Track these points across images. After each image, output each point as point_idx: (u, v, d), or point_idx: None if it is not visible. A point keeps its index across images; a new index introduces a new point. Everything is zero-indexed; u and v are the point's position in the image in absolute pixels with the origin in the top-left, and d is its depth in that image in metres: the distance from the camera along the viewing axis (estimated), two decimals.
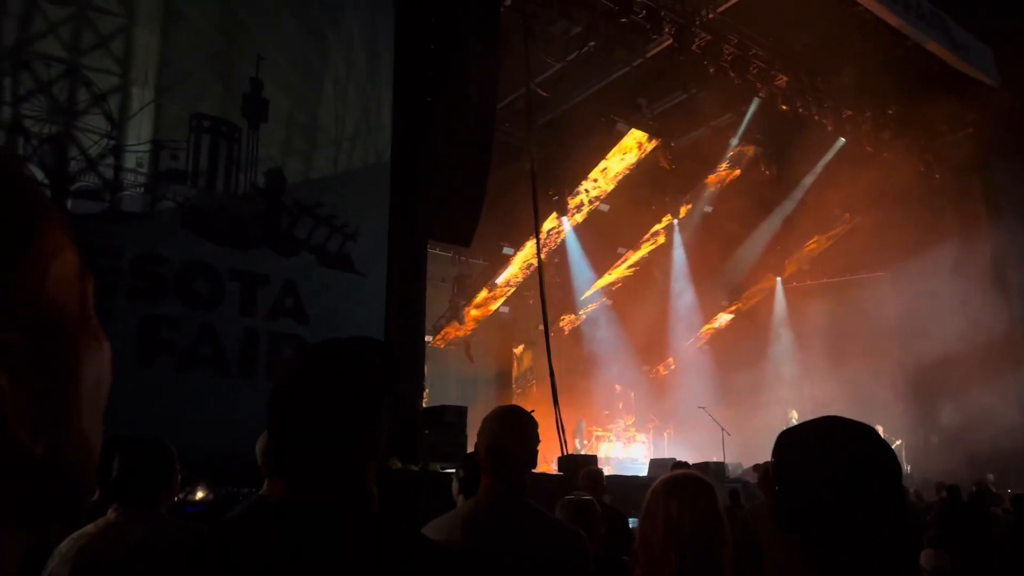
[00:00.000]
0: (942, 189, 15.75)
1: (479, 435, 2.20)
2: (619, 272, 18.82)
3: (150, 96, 7.31)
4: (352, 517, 1.27)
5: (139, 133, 7.21)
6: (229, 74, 7.89)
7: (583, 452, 14.12)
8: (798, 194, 16.76)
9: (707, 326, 19.67)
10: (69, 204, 6.74)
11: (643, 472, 12.23)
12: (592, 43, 12.12)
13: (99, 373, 0.57)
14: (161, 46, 7.49)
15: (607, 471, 13.79)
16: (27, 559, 0.52)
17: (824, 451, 1.22)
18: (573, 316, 18.43)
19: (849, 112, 14.91)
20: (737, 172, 16.61)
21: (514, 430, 2.19)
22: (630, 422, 17.09)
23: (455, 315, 16.83)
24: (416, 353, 9.36)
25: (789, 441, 1.28)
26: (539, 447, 2.28)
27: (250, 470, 3.45)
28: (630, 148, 15.55)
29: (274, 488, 2.92)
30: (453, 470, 3.62)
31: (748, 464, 12.54)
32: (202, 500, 5.96)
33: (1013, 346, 14.51)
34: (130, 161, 7.13)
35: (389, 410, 1.34)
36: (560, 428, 9.34)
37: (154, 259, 7.11)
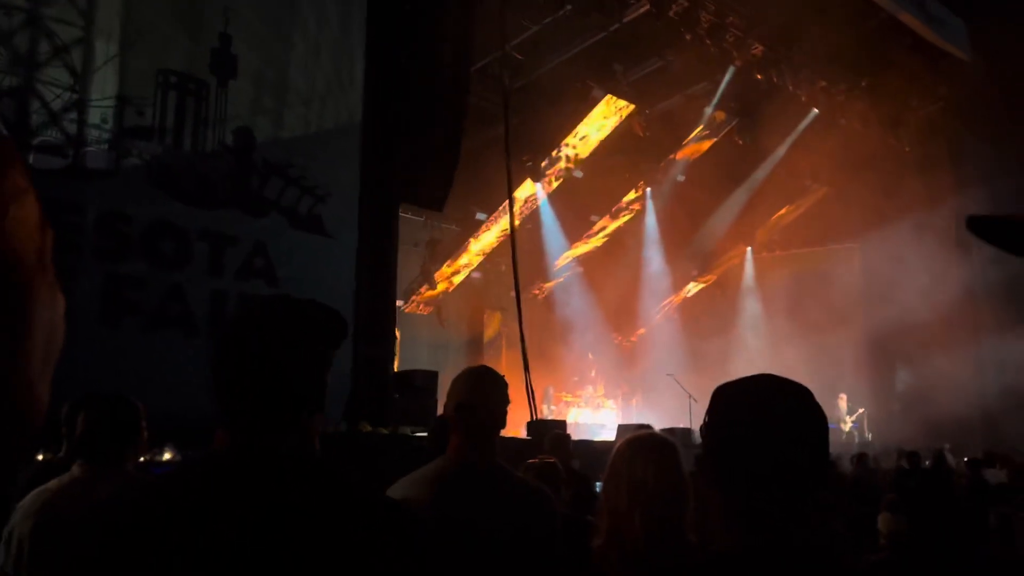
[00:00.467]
0: (911, 160, 15.92)
1: (448, 395, 2.20)
2: (593, 242, 18.85)
3: (115, 50, 7.11)
4: (293, 466, 1.26)
5: (103, 88, 7.02)
6: (197, 28, 7.69)
7: (552, 418, 14.25)
8: (770, 164, 16.84)
9: (678, 294, 19.83)
10: (31, 159, 6.56)
11: (611, 437, 12.36)
12: (568, 7, 11.99)
13: (52, 323, 0.56)
14: None
15: (576, 436, 13.93)
16: None
17: (753, 407, 1.22)
18: (545, 283, 18.46)
19: (823, 83, 14.95)
20: (710, 142, 16.64)
21: (484, 390, 2.19)
22: (599, 389, 17.25)
23: (427, 279, 16.77)
24: (387, 317, 9.32)
25: (722, 394, 1.28)
26: (509, 411, 2.29)
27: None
28: (606, 115, 15.49)
29: (218, 439, 2.90)
30: (423, 433, 3.64)
31: None
32: (169, 461, 5.92)
33: (973, 312, 14.82)
34: (94, 116, 6.95)
35: (329, 366, 1.33)
36: (530, 393, 9.40)
37: (119, 217, 6.97)
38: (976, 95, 14.57)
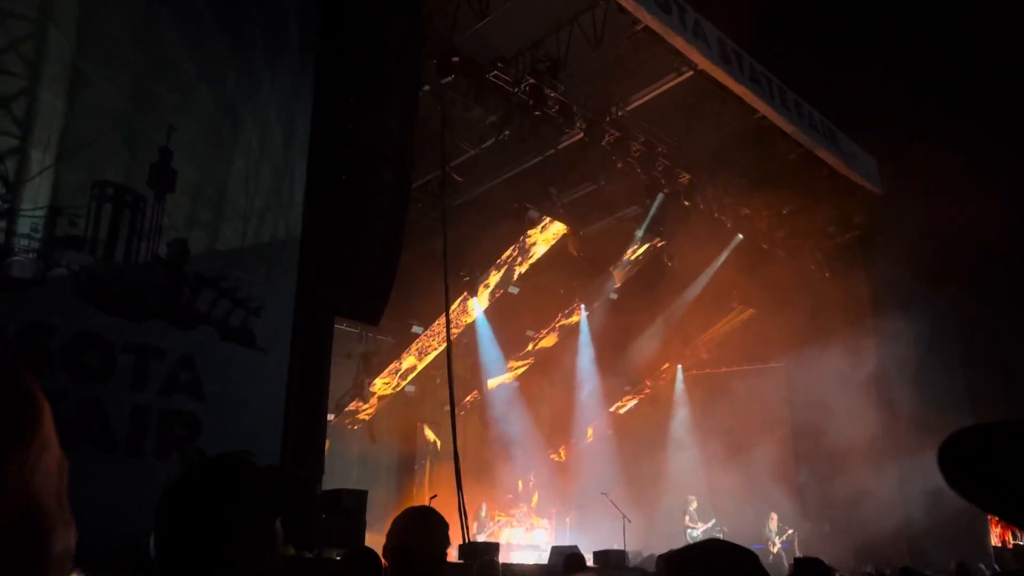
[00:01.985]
0: (832, 286, 16.68)
1: (388, 535, 2.17)
2: (527, 354, 18.96)
3: (51, 160, 7.07)
4: None
5: (36, 197, 6.94)
6: (137, 142, 7.73)
7: (485, 538, 13.88)
8: (698, 285, 17.43)
9: (611, 410, 19.92)
10: None
11: (544, 559, 12.08)
12: (507, 132, 12.51)
13: (67, 551, 0.66)
14: (67, 109, 7.29)
15: (510, 558, 13.57)
16: None
17: (704, 573, 1.29)
18: (480, 397, 18.35)
19: (746, 211, 15.75)
20: (643, 261, 17.21)
21: (423, 534, 2.17)
22: (533, 502, 16.94)
23: (359, 393, 16.51)
24: (317, 435, 9.10)
25: (674, 562, 1.36)
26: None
27: (136, 558, 3.25)
28: (541, 236, 15.94)
29: None
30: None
31: (648, 552, 12.56)
32: None
33: (895, 438, 15.24)
34: (24, 226, 6.83)
35: (277, 532, 1.38)
36: (463, 514, 9.19)
37: (41, 329, 6.75)
38: (887, 226, 15.55)
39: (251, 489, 1.36)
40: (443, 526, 2.22)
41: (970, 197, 13.59)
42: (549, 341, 18.98)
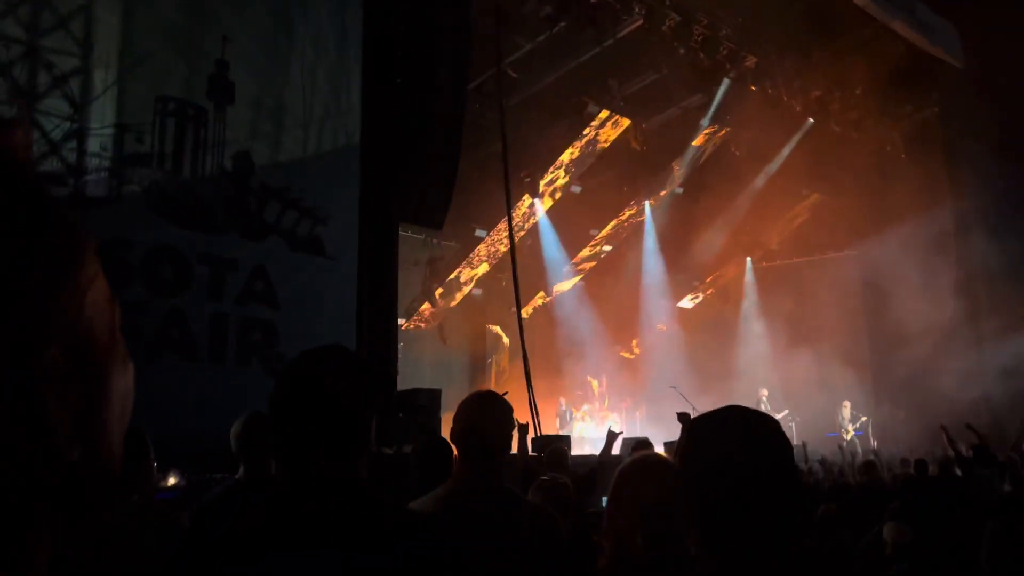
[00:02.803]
0: (907, 168, 15.96)
1: (454, 420, 2.23)
2: (592, 253, 18.89)
3: (113, 78, 7.17)
4: (347, 503, 1.46)
5: (103, 116, 7.08)
6: (194, 55, 7.76)
7: (563, 432, 14.24)
8: (767, 174, 16.89)
9: (679, 304, 19.84)
10: None
11: (616, 451, 12.34)
12: (562, 24, 12.08)
13: (125, 391, 0.65)
14: (123, 26, 7.33)
15: (583, 451, 13.92)
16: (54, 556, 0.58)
17: (722, 437, 1.35)
18: (546, 297, 18.47)
19: (817, 93, 15.03)
20: (708, 152, 16.71)
21: (488, 414, 2.22)
22: (605, 402, 17.22)
23: (428, 297, 16.79)
24: (389, 337, 9.33)
25: (696, 426, 1.41)
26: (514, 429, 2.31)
27: (221, 455, 3.43)
28: (602, 132, 15.57)
29: (252, 473, 2.93)
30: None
31: None
32: (174, 486, 5.92)
33: (974, 321, 14.81)
34: (94, 145, 7.00)
35: (374, 413, 1.55)
36: (533, 409, 9.39)
37: (120, 244, 6.99)
38: (969, 100, 14.63)
39: (359, 384, 1.51)
40: (506, 407, 2.26)
41: None
42: (614, 239, 18.83)
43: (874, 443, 14.77)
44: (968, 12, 14.87)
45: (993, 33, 14.03)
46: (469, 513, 2.07)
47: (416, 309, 16.72)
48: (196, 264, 7.48)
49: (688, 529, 1.36)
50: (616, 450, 8.37)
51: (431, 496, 2.19)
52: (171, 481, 5.99)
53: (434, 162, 9.96)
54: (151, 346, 7.06)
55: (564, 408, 16.04)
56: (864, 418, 15.38)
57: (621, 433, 6.54)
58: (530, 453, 8.71)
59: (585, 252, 18.74)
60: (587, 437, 15.41)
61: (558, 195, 16.82)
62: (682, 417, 6.36)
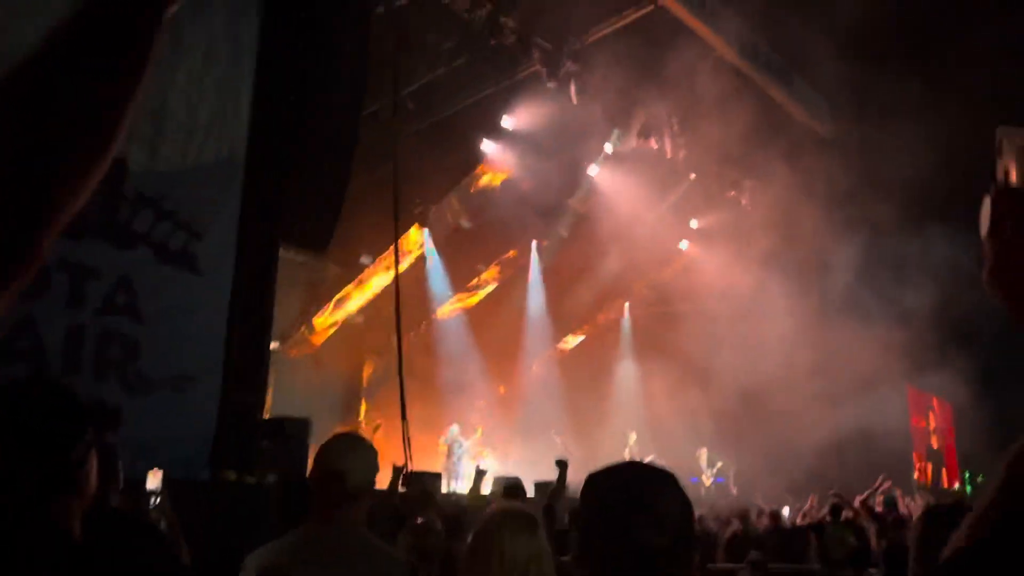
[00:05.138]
0: (780, 229, 16.92)
1: (314, 462, 2.14)
2: (479, 295, 18.95)
3: None
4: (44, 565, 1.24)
5: None
6: None
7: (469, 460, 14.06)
8: (648, 225, 17.50)
9: (558, 346, 20.13)
10: None
11: (487, 489, 12.28)
12: (462, 59, 12.21)
13: None
14: (4, 19, 6.83)
15: (453, 487, 13.77)
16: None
17: (620, 494, 1.31)
18: (427, 329, 18.33)
19: (699, 150, 15.77)
20: (596, 200, 17.17)
21: (350, 459, 2.13)
22: (477, 439, 17.13)
23: (305, 322, 16.32)
24: (259, 361, 8.98)
25: (593, 482, 1.38)
26: (380, 463, 2.24)
27: None
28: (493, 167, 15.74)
29: None
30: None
31: None
32: None
33: (831, 380, 15.77)
34: None
35: (84, 449, 1.34)
36: (406, 443, 9.24)
37: None
38: (834, 165, 15.73)
39: (65, 418, 1.35)
40: (371, 452, 2.20)
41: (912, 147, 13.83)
42: (499, 275, 18.96)
43: (734, 490, 15.38)
44: (840, 86, 16.08)
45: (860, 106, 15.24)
46: (321, 557, 1.99)
47: (292, 333, 16.21)
48: (54, 271, 6.97)
49: None
50: (485, 489, 8.34)
51: (287, 538, 2.09)
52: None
53: (322, 184, 9.75)
54: None
55: (454, 436, 15.66)
56: (720, 463, 16.01)
57: (485, 472, 6.53)
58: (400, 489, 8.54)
59: (471, 285, 18.77)
60: (464, 473, 15.27)
61: (449, 227, 16.82)
62: (559, 463, 6.40)
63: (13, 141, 0.64)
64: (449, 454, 14.97)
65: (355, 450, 2.17)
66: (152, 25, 0.75)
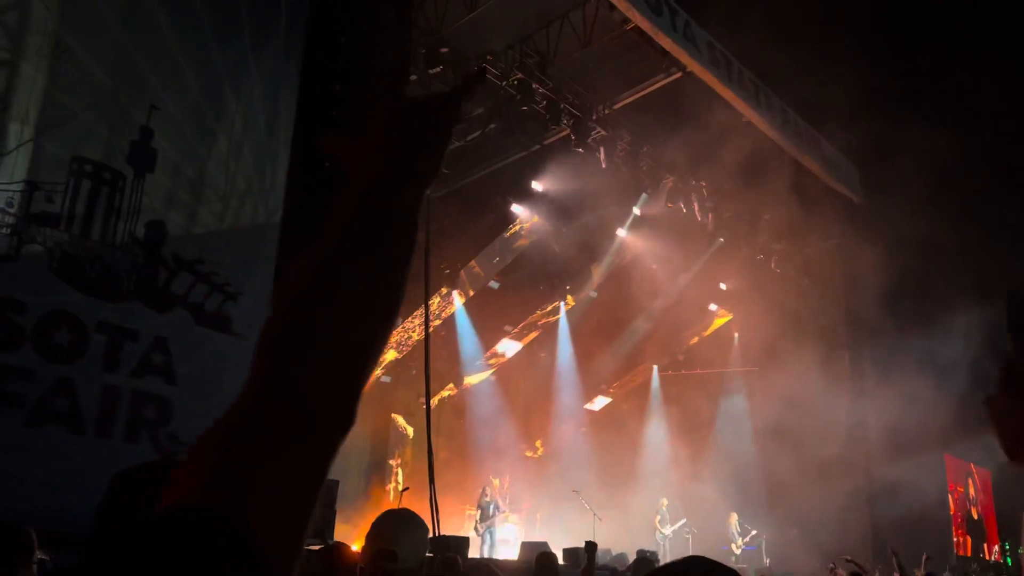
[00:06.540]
0: (810, 293, 16.82)
1: (367, 540, 2.16)
2: (503, 355, 18.94)
3: (29, 134, 6.95)
4: None
5: (12, 172, 6.81)
6: (118, 120, 7.61)
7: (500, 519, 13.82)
8: (678, 287, 17.50)
9: (587, 407, 19.96)
10: None
11: (514, 555, 12.10)
12: (493, 125, 12.47)
13: None
14: (47, 84, 7.16)
15: (481, 552, 13.55)
16: None
17: None
18: (455, 390, 18.30)
19: (728, 214, 15.82)
20: (624, 262, 17.24)
21: (403, 535, 2.16)
22: (505, 500, 16.90)
23: None
24: None
25: None
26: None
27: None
28: (523, 231, 15.91)
29: None
30: (317, 547, 3.52)
31: (619, 550, 12.63)
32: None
33: (865, 451, 15.43)
34: (0, 200, 6.71)
35: None
36: (434, 507, 9.15)
37: (12, 305, 6.64)
38: (867, 236, 15.67)
39: None
40: (423, 529, 2.23)
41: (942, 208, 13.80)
42: (528, 336, 18.97)
43: (767, 560, 14.96)
44: (865, 153, 16.14)
45: (889, 174, 15.24)
46: None
47: None
48: (93, 332, 7.13)
49: None
50: (515, 555, 8.21)
51: None
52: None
53: None
54: (34, 415, 6.63)
55: (489, 499, 15.15)
56: (754, 532, 15.60)
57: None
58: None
59: (498, 347, 18.78)
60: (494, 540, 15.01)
61: (478, 289, 16.94)
62: (588, 546, 6.47)
63: (349, 335, 0.72)
64: (483, 518, 14.56)
65: (407, 527, 2.20)
66: (417, 204, 0.82)
